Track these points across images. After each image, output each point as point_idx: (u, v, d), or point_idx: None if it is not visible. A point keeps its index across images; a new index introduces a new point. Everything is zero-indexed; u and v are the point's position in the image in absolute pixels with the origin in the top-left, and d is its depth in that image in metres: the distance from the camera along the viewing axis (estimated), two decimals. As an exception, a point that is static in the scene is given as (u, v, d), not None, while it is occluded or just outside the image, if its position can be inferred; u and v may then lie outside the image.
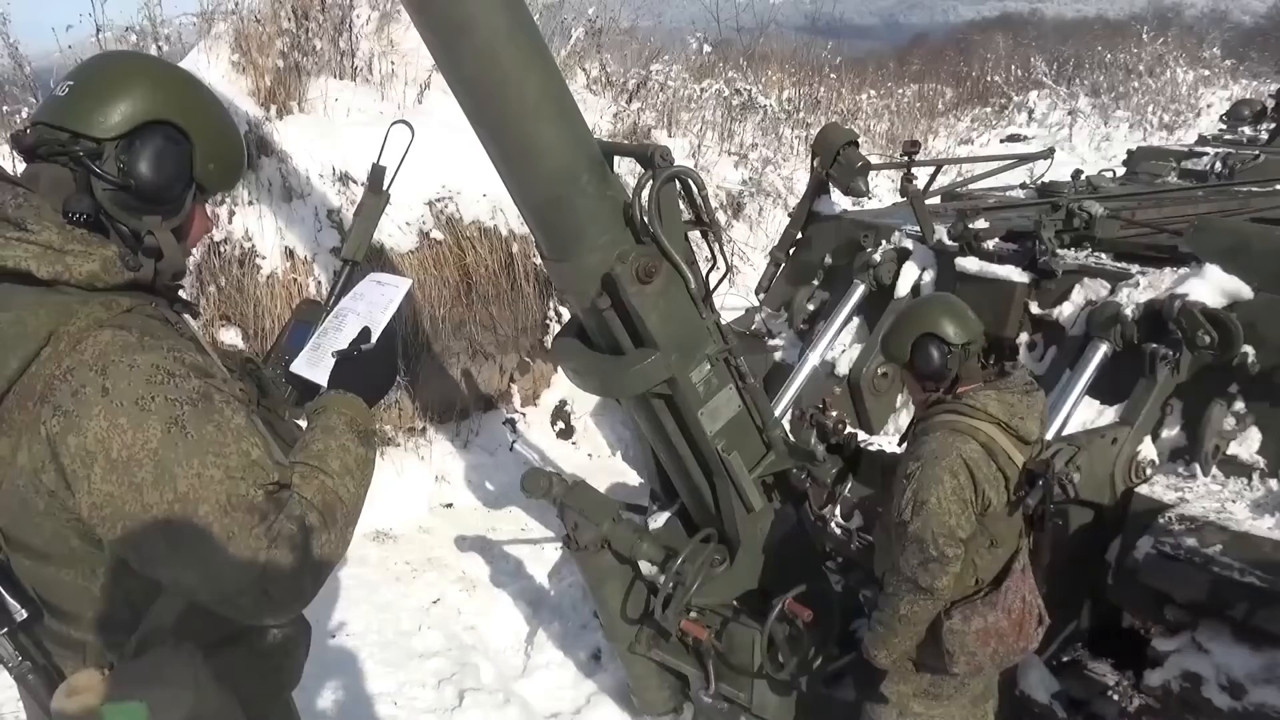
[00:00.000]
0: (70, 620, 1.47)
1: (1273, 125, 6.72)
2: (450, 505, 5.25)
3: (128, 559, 1.36)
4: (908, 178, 3.91)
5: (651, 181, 2.45)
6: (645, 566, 3.28)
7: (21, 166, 1.53)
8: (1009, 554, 2.52)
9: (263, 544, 1.33)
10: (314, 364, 1.77)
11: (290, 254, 4.94)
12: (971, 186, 5.16)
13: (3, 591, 1.42)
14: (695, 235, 2.70)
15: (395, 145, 2.24)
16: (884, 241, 4.02)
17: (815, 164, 4.34)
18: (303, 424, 1.66)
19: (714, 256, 2.66)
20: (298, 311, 2.04)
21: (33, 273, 1.35)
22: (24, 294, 1.36)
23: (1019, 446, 2.47)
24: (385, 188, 2.30)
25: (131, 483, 1.30)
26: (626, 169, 4.73)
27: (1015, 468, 2.46)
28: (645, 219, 2.48)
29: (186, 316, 1.60)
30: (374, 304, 1.83)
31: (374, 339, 1.75)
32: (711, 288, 2.72)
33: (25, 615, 1.43)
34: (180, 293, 1.62)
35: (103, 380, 1.30)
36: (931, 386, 2.59)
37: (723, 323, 2.82)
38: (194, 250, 1.72)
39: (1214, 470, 2.94)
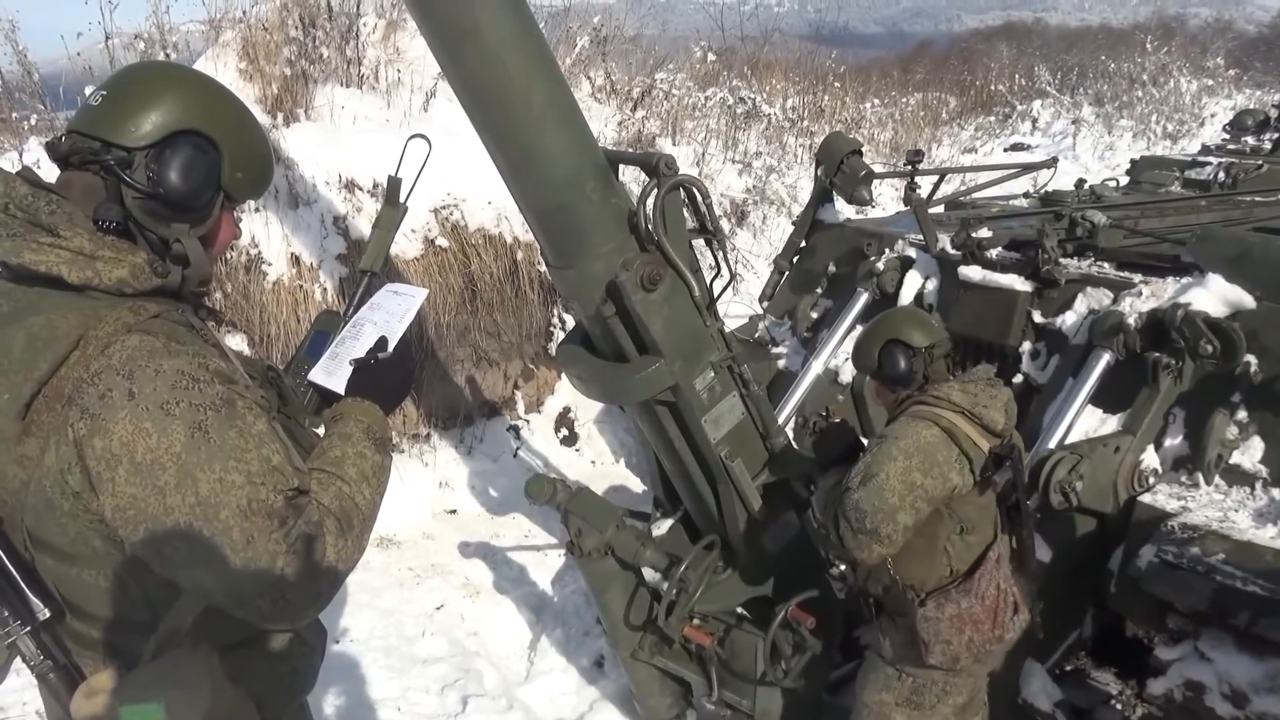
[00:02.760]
0: (91, 620, 1.49)
1: (1276, 135, 6.72)
2: (454, 511, 5.26)
3: (149, 561, 1.38)
4: (911, 186, 3.93)
5: (656, 189, 2.47)
6: (649, 573, 3.29)
7: (50, 171, 1.55)
8: (983, 543, 2.52)
9: (281, 548, 1.34)
10: (331, 372, 1.79)
11: (296, 260, 4.96)
12: (975, 195, 5.17)
13: (26, 590, 1.44)
14: (699, 243, 2.72)
15: (413, 158, 2.27)
16: (887, 250, 4.04)
17: (819, 172, 4.36)
18: (320, 432, 1.68)
19: (718, 264, 2.67)
20: (317, 322, 2.06)
21: (64, 278, 1.38)
22: (54, 298, 1.39)
23: (984, 435, 2.49)
24: (403, 200, 2.32)
25: (154, 486, 1.31)
26: (630, 177, 4.75)
27: (980, 452, 2.47)
28: (650, 227, 2.49)
29: (210, 323, 1.62)
30: (391, 313, 1.84)
31: (391, 348, 1.77)
32: (715, 295, 2.73)
33: (48, 614, 1.45)
34: (205, 299, 1.64)
35: (129, 384, 1.32)
36: (902, 391, 2.65)
37: (726, 330, 2.84)
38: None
39: (1216, 479, 2.94)
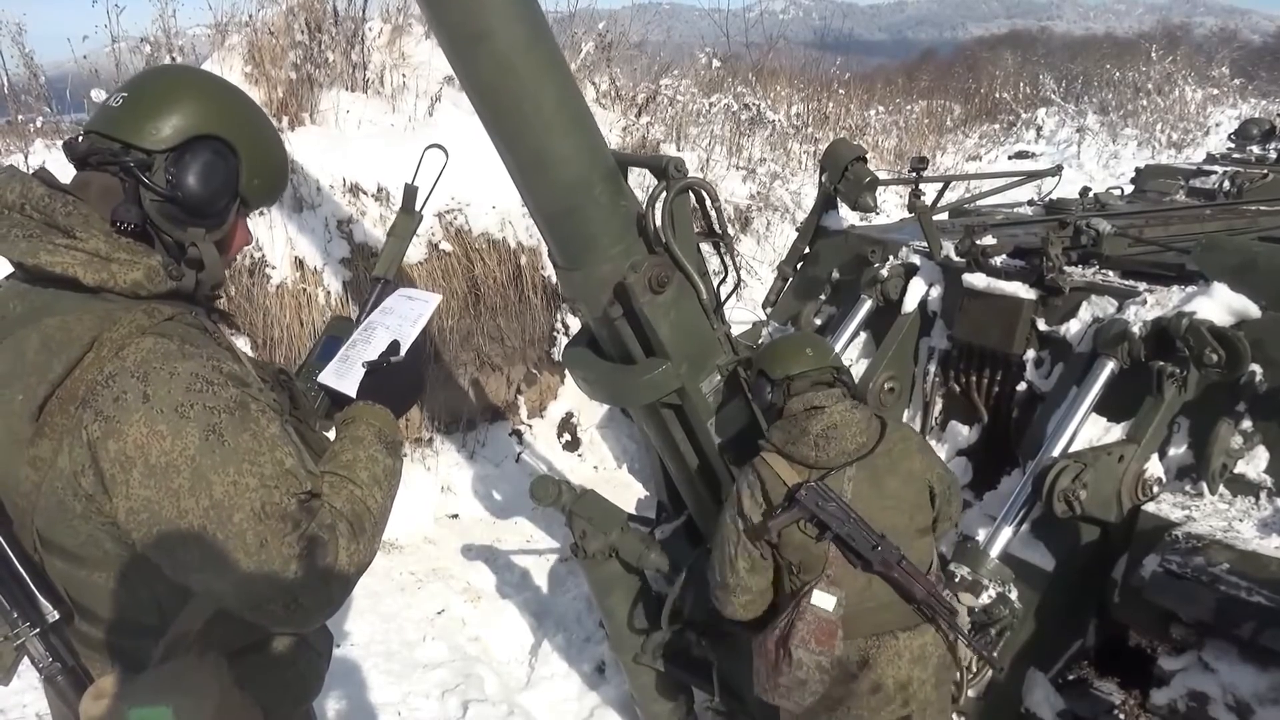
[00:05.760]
0: (100, 623, 1.49)
1: (1281, 144, 6.71)
2: (456, 516, 5.25)
3: (161, 564, 1.38)
4: (915, 193, 3.92)
5: (665, 192, 2.48)
6: (652, 576, 3.29)
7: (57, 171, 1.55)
8: (811, 579, 2.49)
9: (294, 552, 1.34)
10: (343, 375, 1.79)
11: (300, 264, 4.97)
12: (979, 203, 5.16)
13: (35, 592, 1.44)
14: (705, 247, 2.72)
15: (429, 168, 2.27)
16: (891, 257, 4.03)
17: (823, 179, 4.35)
18: (331, 435, 1.68)
19: (724, 268, 2.68)
20: (329, 327, 2.08)
21: (79, 279, 1.39)
22: (70, 300, 1.40)
23: (797, 470, 2.51)
24: (418, 209, 2.33)
25: (168, 489, 1.31)
26: (636, 181, 4.74)
27: (783, 489, 2.49)
28: (658, 229, 2.50)
29: (223, 326, 1.63)
30: (404, 318, 1.85)
31: (403, 352, 1.77)
32: (723, 299, 2.74)
33: (57, 617, 1.45)
34: (217, 303, 1.64)
35: (143, 387, 1.32)
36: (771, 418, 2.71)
37: (733, 334, 2.84)
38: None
39: (1221, 489, 2.93)
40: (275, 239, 4.88)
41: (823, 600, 2.41)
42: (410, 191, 2.33)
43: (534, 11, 2.21)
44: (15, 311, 1.43)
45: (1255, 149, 6.75)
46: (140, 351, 1.36)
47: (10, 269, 1.49)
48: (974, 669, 2.80)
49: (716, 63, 10.86)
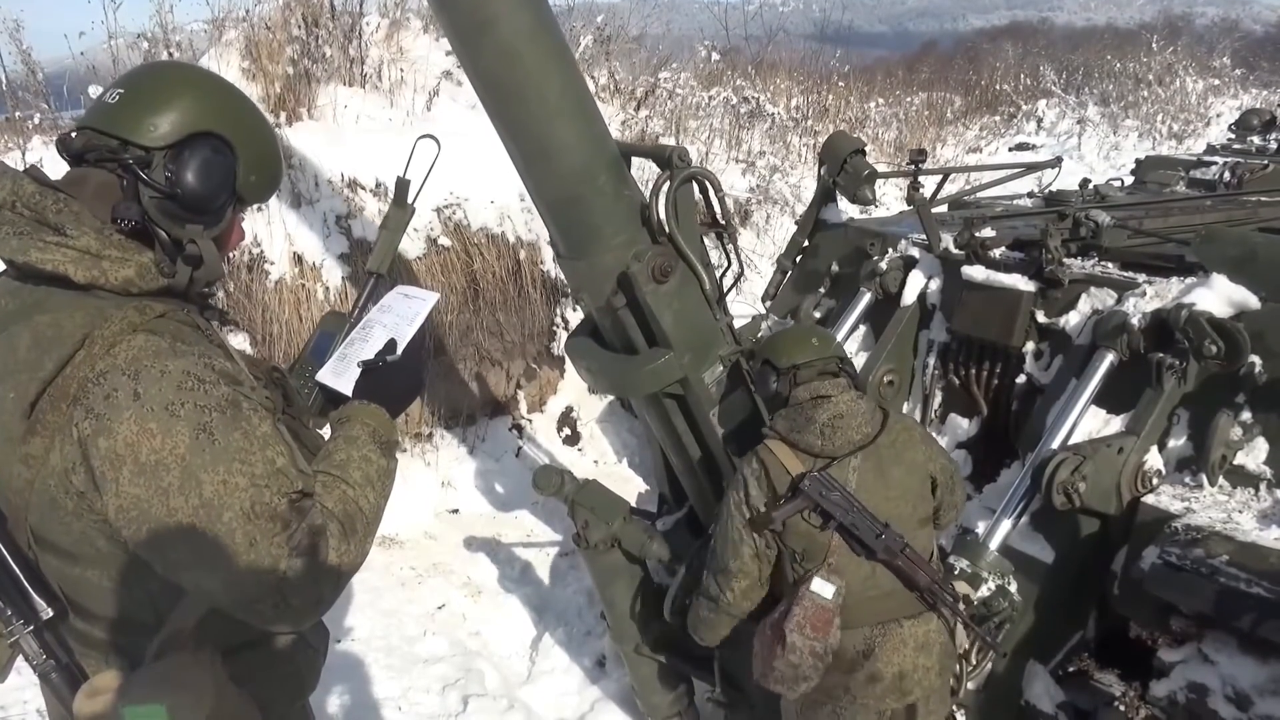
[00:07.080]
0: (94, 620, 1.49)
1: (1281, 135, 6.70)
2: (456, 511, 5.26)
3: (151, 562, 1.38)
4: (914, 186, 3.91)
5: (669, 182, 2.48)
6: (654, 567, 3.29)
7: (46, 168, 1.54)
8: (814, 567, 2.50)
9: (284, 551, 1.34)
10: (339, 374, 1.79)
11: (299, 259, 4.97)
12: (979, 195, 5.15)
13: (29, 589, 1.44)
14: (706, 238, 2.72)
15: (421, 159, 2.26)
16: (890, 250, 4.02)
17: (822, 172, 4.34)
18: (325, 434, 1.68)
19: (727, 258, 2.68)
20: (322, 323, 2.07)
21: (70, 276, 1.38)
22: (61, 297, 1.40)
23: (801, 458, 2.51)
24: (410, 201, 2.32)
25: (158, 487, 1.31)
26: (637, 172, 4.73)
27: (787, 478, 2.50)
28: (662, 219, 2.50)
29: (215, 323, 1.62)
30: (401, 316, 1.84)
31: (399, 351, 1.76)
32: (725, 290, 2.74)
33: (51, 614, 1.45)
34: (210, 299, 1.64)
35: (134, 385, 1.32)
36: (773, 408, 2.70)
37: (735, 326, 2.84)
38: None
39: (1220, 480, 2.93)
40: (274, 235, 4.88)
41: (822, 588, 2.42)
42: (403, 184, 2.32)
43: (539, 1, 2.22)
44: (6, 309, 1.43)
45: (1256, 140, 6.74)
46: (131, 349, 1.35)
47: (2, 266, 1.49)
48: (974, 661, 2.80)
49: (716, 56, 10.86)
